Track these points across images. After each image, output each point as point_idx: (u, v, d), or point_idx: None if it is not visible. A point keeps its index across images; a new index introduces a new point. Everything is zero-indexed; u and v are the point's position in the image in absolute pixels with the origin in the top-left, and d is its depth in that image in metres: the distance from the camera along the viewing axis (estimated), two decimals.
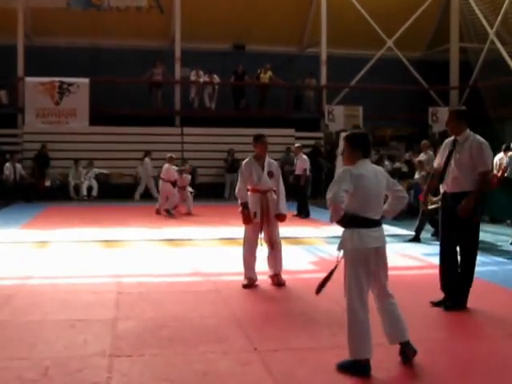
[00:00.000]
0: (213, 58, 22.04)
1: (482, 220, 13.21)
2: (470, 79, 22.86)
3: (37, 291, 6.84)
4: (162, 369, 4.46)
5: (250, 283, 7.15)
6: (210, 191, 19.54)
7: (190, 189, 15.75)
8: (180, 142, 20.98)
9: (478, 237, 6.29)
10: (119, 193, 19.41)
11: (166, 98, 21.62)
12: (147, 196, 19.40)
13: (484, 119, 20.23)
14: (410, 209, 12.25)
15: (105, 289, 6.98)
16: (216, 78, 21.81)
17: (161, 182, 15.39)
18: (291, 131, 21.23)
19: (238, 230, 9.23)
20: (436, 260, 6.56)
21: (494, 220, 13.67)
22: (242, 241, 7.43)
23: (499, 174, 13.43)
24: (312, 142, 20.92)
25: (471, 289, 6.18)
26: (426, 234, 10.99)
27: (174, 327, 5.49)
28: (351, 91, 23.13)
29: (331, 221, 4.55)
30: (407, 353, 4.57)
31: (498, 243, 10.82)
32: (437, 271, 6.49)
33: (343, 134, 16.39)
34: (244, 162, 7.38)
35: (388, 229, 9.16)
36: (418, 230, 10.84)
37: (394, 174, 15.34)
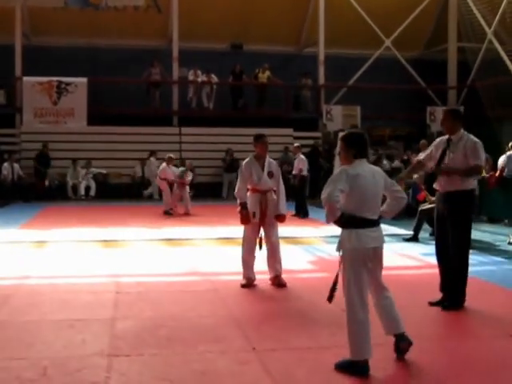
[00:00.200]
0: (211, 58, 22.04)
1: (481, 220, 13.36)
2: (468, 79, 22.88)
3: (35, 291, 6.84)
4: (160, 368, 4.47)
5: (249, 283, 7.16)
6: (208, 191, 19.55)
7: (187, 189, 15.75)
8: (178, 141, 20.98)
9: (469, 235, 6.32)
10: (117, 193, 19.42)
11: (163, 98, 21.62)
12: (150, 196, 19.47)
13: (482, 119, 20.26)
14: (408, 208, 12.25)
15: (103, 288, 6.98)
16: (214, 78, 21.81)
17: (157, 180, 15.47)
18: (289, 131, 21.25)
19: (237, 230, 9.24)
20: (434, 260, 6.57)
21: (492, 220, 13.69)
22: (240, 240, 7.43)
23: (497, 174, 13.44)
24: (310, 142, 20.91)
25: (469, 288, 6.19)
26: (424, 233, 11.00)
27: (173, 327, 5.49)
28: (349, 91, 23.15)
29: (327, 221, 4.54)
30: (401, 346, 4.58)
31: (496, 243, 10.84)
32: (435, 271, 6.51)
33: (341, 134, 16.48)
34: (244, 162, 7.36)
35: (386, 228, 9.16)
36: (416, 230, 10.85)
37: (393, 173, 15.34)
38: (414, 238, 10.78)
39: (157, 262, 8.78)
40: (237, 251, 7.68)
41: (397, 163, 18.89)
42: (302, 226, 12.90)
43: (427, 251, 9.27)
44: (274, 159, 7.87)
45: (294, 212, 14.37)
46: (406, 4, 22.76)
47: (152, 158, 19.49)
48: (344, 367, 4.39)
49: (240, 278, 7.23)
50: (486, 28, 21.46)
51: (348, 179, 4.43)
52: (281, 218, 7.29)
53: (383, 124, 23.10)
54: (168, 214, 14.83)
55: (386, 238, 4.72)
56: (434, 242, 6.62)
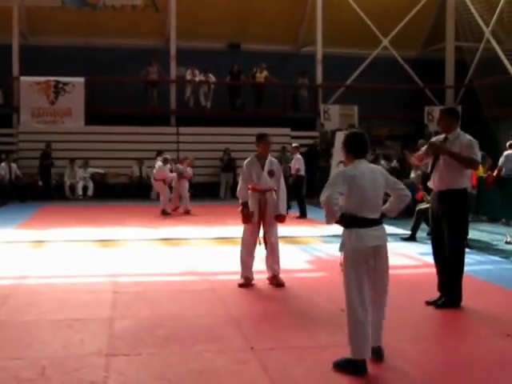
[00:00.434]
0: (208, 57, 22.03)
1: (478, 219, 13.37)
2: (466, 78, 22.90)
3: (33, 291, 6.84)
4: (158, 368, 4.47)
5: (247, 282, 7.16)
6: (206, 191, 19.54)
7: (187, 187, 15.77)
8: (175, 141, 20.98)
9: (465, 234, 6.35)
10: (115, 192, 19.41)
11: (161, 97, 21.61)
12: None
13: (479, 118, 20.30)
14: (407, 208, 12.27)
15: (101, 288, 6.98)
16: (211, 77, 21.81)
17: (153, 181, 15.48)
18: (287, 130, 21.24)
19: (234, 230, 9.25)
20: (431, 259, 6.58)
21: (490, 219, 13.71)
22: (238, 240, 7.44)
23: (495, 174, 13.46)
24: (308, 142, 20.96)
25: (466, 287, 6.20)
26: (421, 233, 11.01)
27: (171, 326, 5.50)
28: (347, 90, 23.16)
29: (327, 223, 4.60)
30: (372, 356, 4.56)
31: (494, 242, 10.86)
32: (432, 270, 6.53)
33: (339, 133, 16.51)
34: (245, 162, 7.36)
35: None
36: (414, 229, 10.87)
37: (392, 173, 15.34)
38: (412, 238, 10.79)
39: (155, 262, 8.79)
40: (235, 251, 7.70)
41: (394, 163, 18.89)
42: (299, 225, 12.90)
43: (425, 250, 9.26)
44: None
45: (298, 214, 14.33)
46: (403, 3, 22.77)
47: (159, 158, 19.48)
48: (342, 366, 4.40)
49: (238, 278, 7.23)
50: (484, 27, 21.48)
51: (345, 181, 4.48)
52: (280, 219, 7.27)
53: (381, 124, 23.11)
54: (166, 213, 14.83)
55: None
56: (430, 241, 6.64)
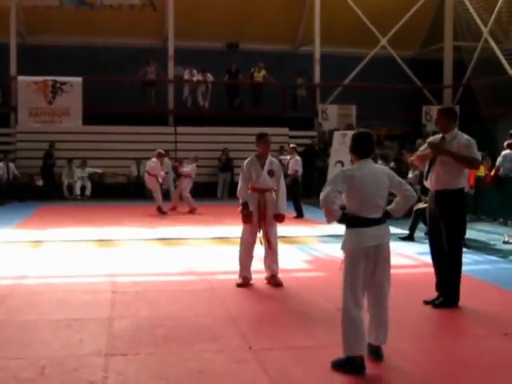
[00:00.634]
0: (206, 57, 22.04)
1: (476, 219, 13.39)
2: (464, 78, 22.93)
3: (32, 291, 6.85)
4: (157, 367, 4.48)
5: (245, 282, 7.17)
6: (204, 190, 19.53)
7: (188, 186, 15.81)
8: (173, 141, 20.98)
9: (462, 234, 6.37)
10: (113, 192, 19.42)
11: (159, 97, 21.60)
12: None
13: (477, 118, 20.34)
14: None
15: (100, 288, 6.99)
16: (209, 77, 21.79)
17: (146, 176, 15.49)
18: (285, 130, 21.24)
19: (232, 230, 9.27)
20: (429, 259, 6.60)
21: (487, 219, 13.73)
22: (236, 240, 7.45)
23: (492, 173, 13.49)
24: (306, 141, 21.01)
25: (464, 287, 6.22)
26: (419, 232, 11.03)
27: (169, 326, 5.51)
28: (345, 90, 23.18)
29: (327, 222, 4.66)
30: (370, 356, 4.58)
31: (491, 242, 10.88)
32: (430, 270, 6.54)
33: (336, 133, 16.51)
34: (245, 161, 7.36)
35: None
36: (412, 229, 10.89)
37: None
38: (410, 237, 10.81)
39: (153, 262, 8.80)
40: (233, 251, 7.71)
41: (392, 164, 18.90)
42: (297, 225, 12.91)
43: (422, 250, 9.29)
44: None
45: (295, 214, 14.34)
46: (402, 3, 22.78)
47: (166, 159, 19.50)
48: (340, 365, 4.42)
49: (236, 278, 7.24)
50: (482, 27, 21.51)
51: (345, 180, 4.53)
52: (280, 218, 7.26)
53: (379, 123, 23.10)
54: (161, 211, 14.87)
55: None
56: (428, 241, 6.66)
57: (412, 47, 24.32)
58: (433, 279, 6.38)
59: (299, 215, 14.47)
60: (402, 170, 16.53)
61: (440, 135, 6.37)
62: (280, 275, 7.29)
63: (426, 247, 7.81)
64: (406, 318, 5.71)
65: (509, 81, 20.44)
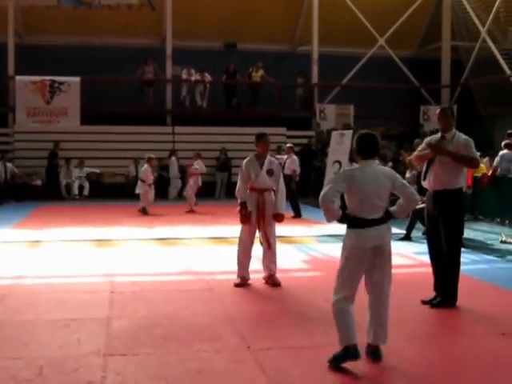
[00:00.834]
0: (204, 57, 22.05)
1: (473, 219, 13.40)
2: (462, 77, 22.97)
3: (30, 291, 6.85)
4: (155, 367, 4.49)
5: (243, 282, 7.17)
6: (201, 190, 19.52)
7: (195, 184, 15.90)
8: (171, 141, 20.98)
9: (461, 234, 6.37)
10: (111, 192, 19.41)
11: (157, 97, 21.62)
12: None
13: (475, 118, 20.36)
14: None
15: (98, 288, 6.99)
16: (207, 77, 21.81)
17: (139, 182, 15.48)
18: (283, 130, 21.25)
19: (230, 229, 9.26)
20: (427, 258, 6.62)
21: (485, 218, 13.75)
22: (234, 240, 7.45)
23: (489, 173, 13.52)
24: (303, 141, 21.01)
25: (461, 287, 6.23)
26: (416, 232, 11.04)
27: (168, 326, 5.51)
28: (343, 90, 23.20)
29: (327, 221, 4.71)
30: (368, 355, 4.62)
31: (488, 241, 10.90)
32: (428, 269, 6.56)
33: (334, 133, 16.52)
34: (244, 161, 7.36)
35: None
36: (409, 229, 10.90)
37: None
38: (407, 237, 10.83)
39: (151, 262, 8.80)
40: (231, 250, 7.71)
41: (390, 163, 18.90)
42: (295, 225, 12.92)
43: (420, 250, 9.31)
44: None
45: (292, 214, 14.34)
46: (399, 3, 22.82)
47: (173, 158, 19.53)
48: (340, 357, 4.45)
49: (234, 278, 7.25)
50: (480, 27, 21.54)
51: (345, 180, 4.60)
52: (279, 218, 7.25)
53: (376, 123, 23.08)
54: (144, 212, 14.85)
55: None
56: (426, 241, 6.67)
57: (410, 47, 24.35)
58: (430, 279, 6.39)
59: (297, 215, 14.47)
60: (399, 169, 16.54)
61: (438, 135, 6.37)
62: (278, 275, 7.29)
63: (423, 247, 7.83)
64: (404, 317, 5.71)
65: (506, 80, 20.49)
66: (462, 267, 6.39)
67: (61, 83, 20.40)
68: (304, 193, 17.14)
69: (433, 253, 6.37)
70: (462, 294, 6.20)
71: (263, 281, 7.28)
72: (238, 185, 7.35)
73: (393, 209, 4.74)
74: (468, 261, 8.54)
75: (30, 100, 20.18)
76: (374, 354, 4.60)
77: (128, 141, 20.35)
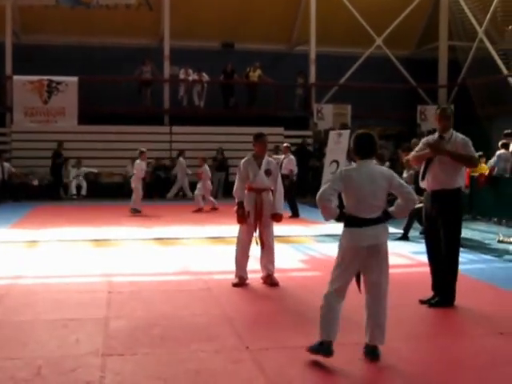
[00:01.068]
0: (202, 57, 22.04)
1: (471, 218, 13.42)
2: (459, 77, 22.99)
3: (28, 291, 6.85)
4: (154, 367, 4.49)
5: (241, 282, 7.18)
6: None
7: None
8: (169, 140, 20.98)
9: (459, 234, 6.37)
10: (109, 192, 19.41)
11: (154, 97, 21.62)
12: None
13: (472, 118, 20.37)
14: None
15: (96, 288, 6.99)
16: (205, 77, 21.81)
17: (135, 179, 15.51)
18: (280, 130, 21.26)
19: (227, 229, 9.25)
20: (424, 258, 6.63)
21: (482, 218, 13.77)
22: (231, 239, 7.45)
23: (487, 173, 13.55)
24: (301, 141, 21.02)
25: (459, 286, 6.24)
26: (414, 232, 11.06)
27: (166, 326, 5.51)
28: (340, 89, 23.21)
29: (324, 219, 4.76)
30: (366, 355, 4.64)
31: (486, 241, 10.92)
32: (425, 269, 6.57)
33: (332, 133, 16.54)
34: (242, 161, 7.37)
35: None
36: (407, 229, 10.91)
37: None
38: (404, 237, 10.84)
39: (149, 262, 8.80)
40: (229, 250, 7.71)
41: (387, 163, 18.90)
42: (292, 225, 12.92)
43: (417, 249, 9.32)
44: None
45: (290, 213, 14.34)
46: (397, 3, 22.84)
47: (181, 158, 19.53)
48: (314, 349, 4.56)
49: (232, 277, 7.25)
50: (477, 27, 21.57)
51: (342, 179, 4.63)
52: (277, 218, 7.25)
53: (374, 123, 23.09)
54: (136, 211, 14.83)
55: None
56: (424, 241, 6.68)
57: (407, 47, 24.37)
58: (428, 278, 6.40)
59: (295, 215, 14.49)
60: (397, 169, 16.55)
61: (435, 135, 6.38)
62: (276, 275, 7.30)
63: (421, 246, 7.84)
64: (402, 317, 5.72)
65: (504, 81, 20.51)
66: (460, 267, 6.41)
67: (58, 83, 20.39)
68: (302, 193, 17.15)
69: (431, 252, 6.38)
70: (459, 294, 6.21)
71: (261, 281, 7.29)
72: (235, 185, 7.35)
73: (391, 209, 4.76)
74: (465, 260, 8.55)
75: (28, 100, 20.17)
76: (372, 353, 4.61)
77: (126, 141, 20.32)
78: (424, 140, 6.54)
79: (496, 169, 13.57)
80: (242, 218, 7.16)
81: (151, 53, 21.87)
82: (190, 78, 21.75)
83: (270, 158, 7.51)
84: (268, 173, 7.26)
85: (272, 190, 7.33)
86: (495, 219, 13.49)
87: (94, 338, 5.15)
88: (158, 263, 8.68)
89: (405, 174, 13.09)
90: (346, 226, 4.65)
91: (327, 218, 4.71)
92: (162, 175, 20.25)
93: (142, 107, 21.38)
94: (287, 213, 13.99)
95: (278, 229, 8.03)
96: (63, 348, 4.89)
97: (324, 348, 4.50)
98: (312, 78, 22.89)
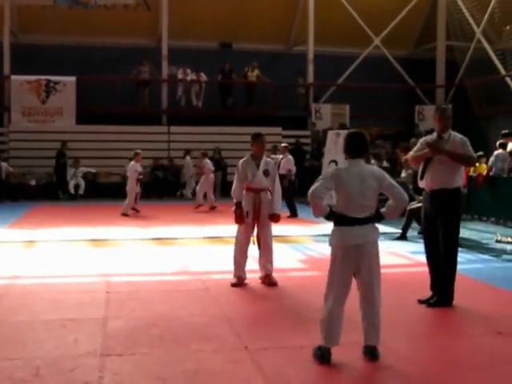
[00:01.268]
0: (200, 56, 22.03)
1: (469, 218, 13.43)
2: (457, 78, 23.02)
3: (26, 291, 6.84)
4: (152, 367, 4.49)
5: (239, 282, 7.17)
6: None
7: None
8: (167, 140, 20.97)
9: (458, 234, 6.38)
10: (106, 192, 19.40)
11: (152, 97, 21.60)
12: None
13: (470, 118, 20.40)
14: None
15: (94, 288, 6.98)
16: (203, 76, 21.80)
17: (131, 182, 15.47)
18: (278, 129, 21.26)
19: (226, 229, 9.24)
20: (423, 258, 6.63)
21: (480, 218, 13.78)
22: (229, 239, 7.45)
23: (484, 173, 13.56)
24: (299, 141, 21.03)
25: (457, 286, 6.24)
26: (412, 232, 11.07)
27: (164, 326, 5.51)
28: (338, 89, 23.22)
29: (314, 216, 4.78)
30: (365, 355, 4.65)
31: (484, 241, 10.93)
32: (424, 269, 6.57)
33: (330, 133, 16.54)
34: (241, 161, 7.36)
35: None
36: (405, 228, 10.92)
37: None
38: (403, 237, 10.85)
39: (147, 262, 8.79)
40: (227, 250, 7.71)
41: (385, 163, 18.93)
42: (291, 224, 12.92)
43: (416, 249, 9.33)
44: None
45: (288, 213, 14.33)
46: (395, 3, 22.86)
47: (187, 157, 19.50)
48: (314, 351, 4.61)
49: (231, 277, 7.25)
50: (475, 27, 21.59)
51: (333, 178, 4.67)
52: (275, 218, 7.26)
53: (372, 123, 23.14)
54: (126, 215, 14.76)
55: None
56: (422, 241, 6.68)
57: (405, 47, 24.38)
58: (427, 278, 6.40)
59: (293, 214, 14.49)
60: (395, 169, 16.57)
61: (434, 135, 6.38)
62: (274, 275, 7.30)
63: (419, 246, 7.85)
64: (401, 317, 5.73)
65: (501, 81, 20.53)
66: (458, 266, 6.41)
67: (56, 83, 20.39)
68: (300, 192, 17.14)
69: (429, 252, 6.38)
70: (457, 294, 6.22)
71: (260, 280, 7.29)
72: (234, 185, 7.35)
73: (383, 210, 4.76)
74: (464, 260, 8.55)
75: (26, 99, 20.17)
76: (372, 353, 4.61)
77: (123, 140, 20.31)
78: (422, 140, 6.55)
79: (493, 169, 13.58)
80: (240, 218, 7.15)
81: (149, 53, 21.85)
82: (188, 78, 21.73)
83: (268, 159, 7.51)
84: (266, 173, 7.26)
85: (270, 190, 7.33)
86: (493, 219, 13.50)
87: (93, 338, 5.14)
88: (157, 263, 8.67)
89: (403, 174, 13.11)
90: (335, 224, 4.68)
91: (317, 216, 4.72)
92: (160, 175, 20.24)
93: (139, 107, 21.37)
94: (285, 213, 14.01)
95: (277, 229, 8.03)
96: (61, 348, 4.88)
97: (321, 353, 4.56)
98: (310, 78, 22.90)
